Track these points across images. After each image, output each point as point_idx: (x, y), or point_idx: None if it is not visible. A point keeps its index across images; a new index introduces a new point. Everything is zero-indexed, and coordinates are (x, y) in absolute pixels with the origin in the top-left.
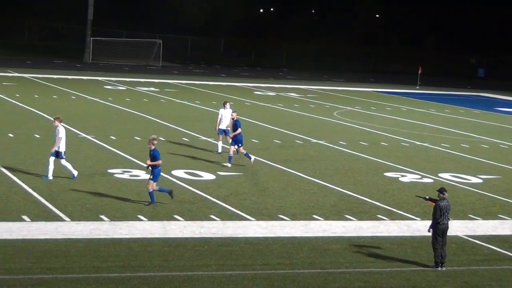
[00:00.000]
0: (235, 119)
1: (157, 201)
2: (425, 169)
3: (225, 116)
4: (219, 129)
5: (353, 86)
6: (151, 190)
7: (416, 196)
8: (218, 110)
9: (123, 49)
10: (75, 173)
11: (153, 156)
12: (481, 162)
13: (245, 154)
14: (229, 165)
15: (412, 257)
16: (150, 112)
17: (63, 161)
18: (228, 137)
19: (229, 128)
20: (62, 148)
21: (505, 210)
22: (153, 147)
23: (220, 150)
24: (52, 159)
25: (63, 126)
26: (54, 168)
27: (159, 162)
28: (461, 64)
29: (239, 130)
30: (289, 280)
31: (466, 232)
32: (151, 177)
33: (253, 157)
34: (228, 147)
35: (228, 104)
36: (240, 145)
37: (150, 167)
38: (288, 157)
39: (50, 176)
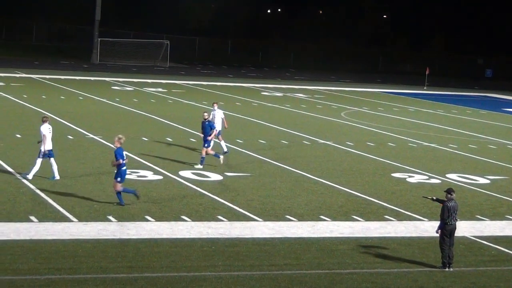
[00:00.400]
0: (207, 119)
1: (127, 202)
2: (432, 169)
3: (216, 117)
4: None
5: (361, 86)
6: (121, 190)
7: (424, 197)
8: (214, 111)
9: (130, 50)
10: (57, 177)
11: (115, 155)
12: (488, 163)
13: (214, 154)
14: (199, 166)
15: (420, 258)
16: (158, 112)
17: (52, 160)
18: (219, 137)
19: (220, 129)
20: (48, 147)
21: None
22: (118, 145)
23: (225, 149)
24: (39, 159)
25: (49, 125)
26: (54, 169)
27: (119, 161)
28: (469, 65)
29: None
30: (296, 281)
31: (473, 233)
32: (116, 177)
33: (221, 156)
34: (220, 146)
35: (216, 104)
36: (207, 145)
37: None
38: (295, 158)
39: (30, 176)
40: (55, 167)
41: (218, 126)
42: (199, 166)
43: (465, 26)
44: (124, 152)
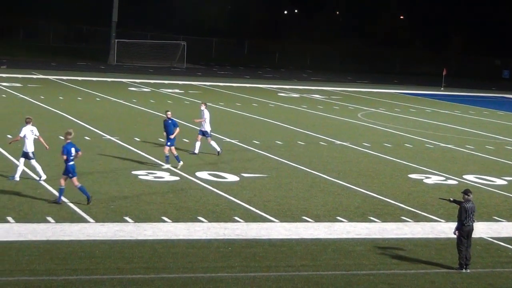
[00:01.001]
0: (170, 118)
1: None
2: (449, 170)
3: (205, 117)
4: (200, 130)
5: (377, 87)
6: (78, 186)
7: (440, 198)
8: (203, 112)
9: (147, 51)
10: (44, 176)
11: (62, 149)
12: (506, 164)
13: (175, 155)
14: (166, 165)
15: (437, 259)
16: (174, 113)
17: (33, 162)
18: (208, 139)
19: (208, 130)
20: (30, 149)
21: None
22: (67, 141)
23: (218, 149)
24: (22, 160)
25: (32, 127)
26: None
27: (63, 157)
28: (486, 66)
29: (178, 130)
30: (313, 282)
31: (490, 234)
32: (64, 172)
33: (181, 162)
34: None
35: (204, 105)
36: (170, 144)
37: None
38: (312, 159)
39: (17, 178)
40: (38, 168)
41: (206, 127)
42: (166, 166)
43: (482, 27)
44: (73, 148)
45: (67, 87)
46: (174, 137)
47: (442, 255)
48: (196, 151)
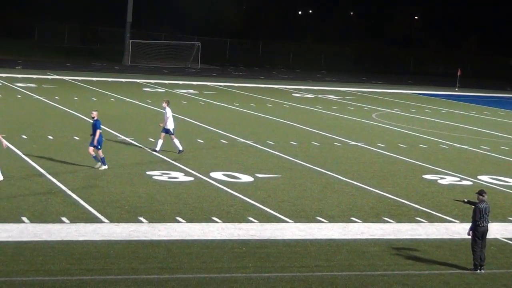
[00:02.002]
0: (95, 118)
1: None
2: (464, 171)
3: (167, 115)
4: (164, 128)
5: (392, 88)
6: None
7: (455, 200)
8: (165, 110)
9: (162, 52)
10: (1, 177)
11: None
12: None
13: (101, 158)
14: (100, 165)
15: (451, 260)
16: (189, 114)
17: None
18: (172, 136)
19: (172, 127)
20: None
21: None
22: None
23: (180, 148)
24: None
25: None
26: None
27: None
28: (501, 66)
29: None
30: (327, 283)
31: (505, 235)
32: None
33: (106, 166)
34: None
35: (165, 103)
36: (99, 146)
37: None
38: (326, 159)
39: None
40: None
41: (169, 125)
42: (103, 167)
43: (497, 27)
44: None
45: (81, 87)
46: (98, 138)
47: (457, 256)
48: (158, 148)
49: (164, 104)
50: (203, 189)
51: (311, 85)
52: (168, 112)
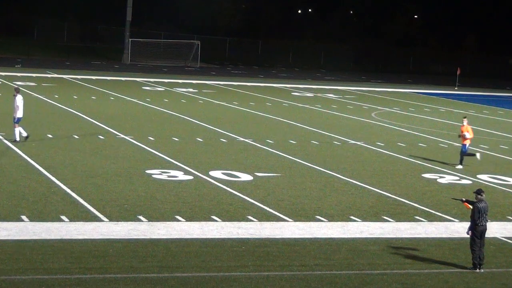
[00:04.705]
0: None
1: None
2: (463, 170)
3: (17, 103)
4: (16, 117)
5: (391, 87)
6: None
7: (453, 199)
8: (15, 99)
9: (161, 50)
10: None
11: None
12: None
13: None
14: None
15: (450, 259)
16: (188, 113)
17: None
18: (15, 124)
19: (20, 116)
20: None
21: None
22: None
23: (18, 138)
24: None
25: None
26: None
27: None
28: (500, 65)
29: None
30: (327, 281)
31: (504, 234)
32: None
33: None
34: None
35: (15, 91)
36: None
37: None
38: (326, 158)
39: None
40: None
41: (19, 113)
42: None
43: (496, 26)
44: None
45: (81, 86)
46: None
47: (456, 255)
48: (17, 138)
49: (15, 93)
50: (203, 187)
51: (311, 84)
52: (19, 101)
